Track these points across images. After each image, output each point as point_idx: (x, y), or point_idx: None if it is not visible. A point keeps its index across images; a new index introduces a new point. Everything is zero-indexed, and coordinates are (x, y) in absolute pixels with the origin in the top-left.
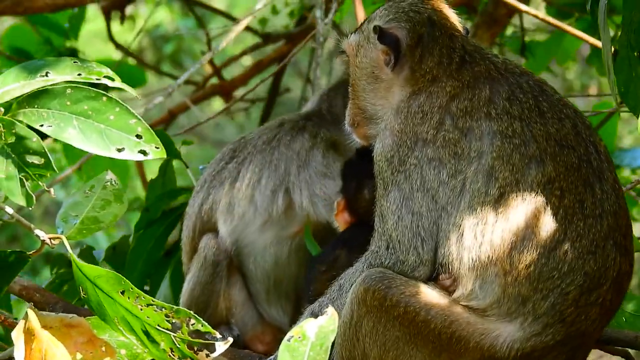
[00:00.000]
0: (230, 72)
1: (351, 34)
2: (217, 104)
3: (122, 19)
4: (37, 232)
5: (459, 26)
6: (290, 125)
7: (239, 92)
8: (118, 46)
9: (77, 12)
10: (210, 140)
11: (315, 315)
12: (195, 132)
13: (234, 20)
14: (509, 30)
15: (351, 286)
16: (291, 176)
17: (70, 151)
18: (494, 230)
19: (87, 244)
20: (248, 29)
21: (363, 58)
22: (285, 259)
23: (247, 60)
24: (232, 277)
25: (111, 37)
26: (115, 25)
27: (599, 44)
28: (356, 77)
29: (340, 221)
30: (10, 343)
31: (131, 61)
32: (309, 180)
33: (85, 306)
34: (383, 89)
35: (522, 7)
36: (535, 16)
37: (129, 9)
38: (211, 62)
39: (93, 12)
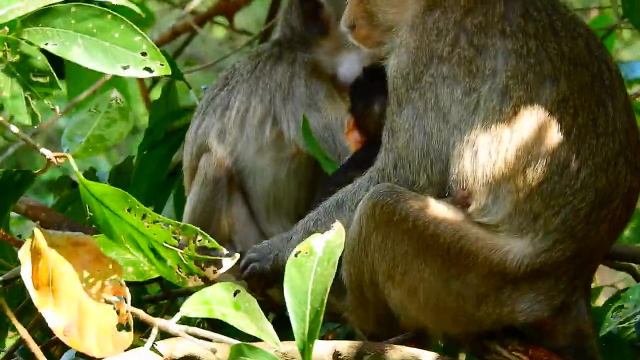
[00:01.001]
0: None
1: None
2: (218, 30)
3: None
4: (43, 150)
5: None
6: (266, 54)
7: (241, 13)
8: None
9: None
10: (214, 67)
11: (308, 230)
12: (198, 58)
13: None
14: None
15: (354, 203)
16: (277, 107)
17: (73, 85)
18: (508, 148)
19: (90, 166)
20: None
21: None
22: (284, 178)
23: None
24: (233, 194)
25: None
26: None
27: None
28: None
29: (351, 140)
30: (13, 263)
31: None
32: (295, 112)
33: (92, 225)
34: (395, 0)
35: None
36: None
37: None
38: None
39: None
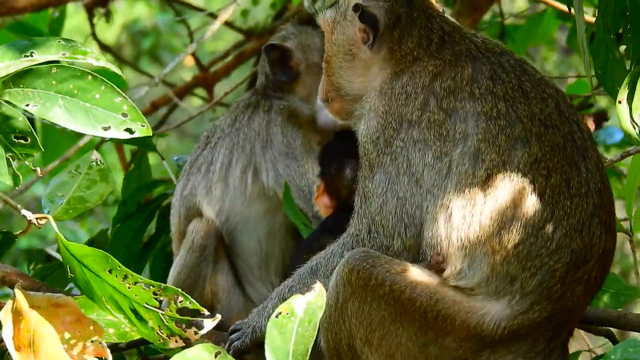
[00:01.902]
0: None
1: (327, 9)
2: (197, 101)
3: (107, 15)
4: (24, 212)
5: (437, 7)
6: (244, 103)
7: (221, 84)
8: (102, 46)
9: (57, 17)
10: (191, 134)
11: (283, 297)
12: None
13: (213, 15)
14: (488, 16)
15: (328, 269)
16: (257, 156)
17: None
18: (482, 211)
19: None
20: (229, 24)
21: (340, 35)
22: (278, 228)
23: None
24: (218, 262)
25: (95, 36)
26: (94, 21)
27: None
28: (332, 53)
29: (321, 205)
30: None
31: (110, 58)
32: (274, 160)
33: (71, 290)
34: (361, 67)
35: None
36: None
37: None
38: (193, 54)
39: (73, 8)
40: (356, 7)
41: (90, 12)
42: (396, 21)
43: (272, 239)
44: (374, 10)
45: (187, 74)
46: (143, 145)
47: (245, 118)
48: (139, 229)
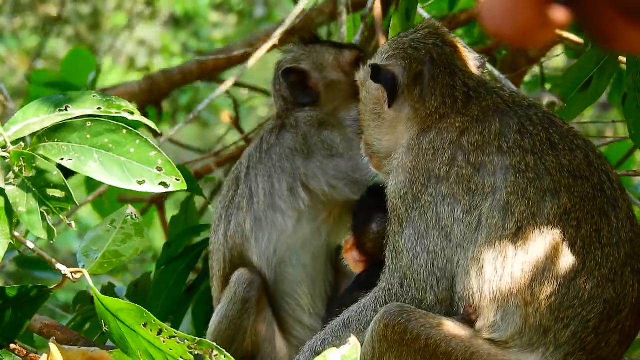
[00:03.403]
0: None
1: (362, 70)
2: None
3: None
4: (59, 266)
5: (469, 60)
6: (268, 130)
7: None
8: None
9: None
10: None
11: (315, 351)
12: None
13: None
14: (528, 77)
15: (361, 323)
16: (301, 169)
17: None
18: (513, 263)
19: (108, 282)
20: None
21: (366, 94)
22: (320, 251)
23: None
24: (261, 313)
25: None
26: (132, 76)
27: None
28: (362, 112)
29: (350, 259)
30: None
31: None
32: (321, 166)
33: (107, 343)
34: (386, 126)
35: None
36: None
37: (142, 58)
38: (236, 124)
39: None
40: (372, 67)
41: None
42: (415, 80)
43: (316, 264)
44: (393, 69)
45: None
46: (190, 188)
47: (273, 139)
48: (183, 272)
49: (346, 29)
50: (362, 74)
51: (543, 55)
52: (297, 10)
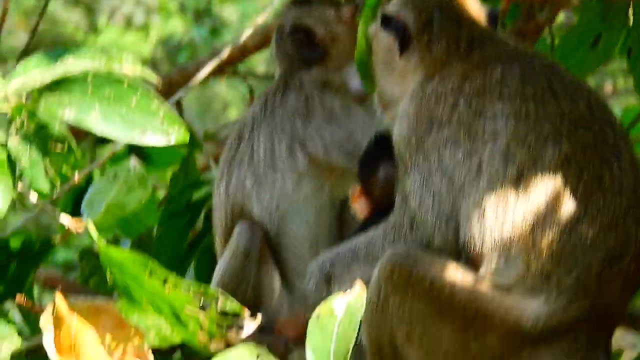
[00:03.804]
0: None
1: (373, 22)
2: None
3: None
4: (62, 217)
5: (476, 11)
6: (272, 90)
7: None
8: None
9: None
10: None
11: (325, 272)
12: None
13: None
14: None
15: (369, 255)
16: (299, 131)
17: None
18: (515, 210)
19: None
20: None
21: (377, 45)
22: (325, 208)
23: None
24: (263, 266)
25: None
26: (130, 36)
27: None
28: (375, 62)
29: (358, 208)
30: (34, 331)
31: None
32: (318, 130)
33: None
34: (397, 75)
35: None
36: None
37: (139, 17)
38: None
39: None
40: (382, 17)
41: None
42: (424, 28)
43: (320, 220)
44: (403, 18)
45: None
46: (190, 144)
47: (278, 100)
48: (184, 228)
49: None
50: (373, 27)
51: (552, 20)
52: None
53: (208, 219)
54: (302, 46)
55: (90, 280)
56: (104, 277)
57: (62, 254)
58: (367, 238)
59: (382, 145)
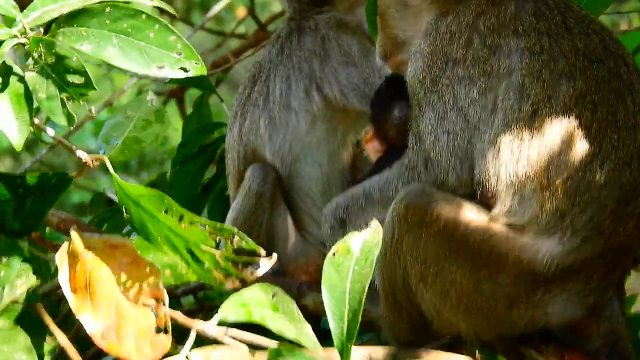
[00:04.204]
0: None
1: None
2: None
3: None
4: (79, 153)
5: None
6: (285, 33)
7: None
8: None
9: None
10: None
11: (339, 218)
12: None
13: None
14: None
15: (384, 197)
16: (317, 72)
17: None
18: (530, 146)
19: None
20: None
21: None
22: (338, 151)
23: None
24: (276, 209)
25: None
26: None
27: None
28: (385, 5)
29: (370, 149)
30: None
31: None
32: (334, 72)
33: (128, 235)
34: (412, 15)
35: None
36: None
37: None
38: (253, 14)
39: None
40: None
41: None
42: None
43: (333, 163)
44: None
45: (241, 30)
46: (202, 87)
47: (295, 43)
48: (198, 172)
49: None
50: None
51: None
52: None
53: (223, 160)
54: None
55: (103, 227)
56: (117, 223)
57: (76, 196)
58: (381, 180)
59: (394, 85)
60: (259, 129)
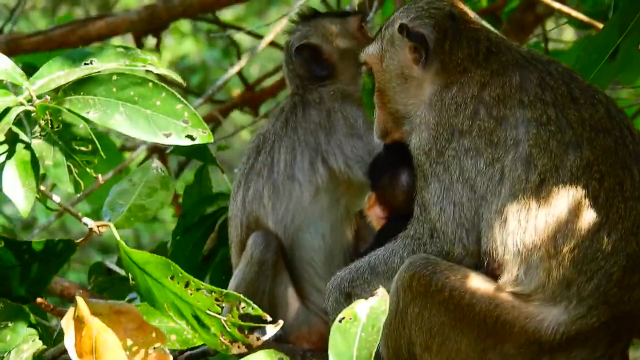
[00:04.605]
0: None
1: (368, 46)
2: (246, 118)
3: (158, 44)
4: (85, 219)
5: (478, 20)
6: (289, 106)
7: (268, 104)
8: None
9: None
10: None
11: (343, 291)
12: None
13: (261, 36)
14: (532, 40)
15: (389, 269)
16: (323, 145)
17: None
18: (537, 216)
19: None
20: (275, 44)
21: (390, 61)
22: (340, 222)
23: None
24: (278, 276)
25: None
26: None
27: None
28: (384, 81)
29: (373, 216)
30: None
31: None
32: (340, 144)
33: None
34: (414, 87)
35: (556, 5)
36: (569, 15)
37: (152, 39)
38: (240, 73)
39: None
40: (401, 28)
41: (138, 43)
42: (444, 35)
43: (335, 234)
44: (420, 29)
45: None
46: (203, 158)
47: (300, 116)
48: (198, 241)
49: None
50: (375, 47)
51: (551, 13)
52: None
53: (224, 230)
54: (311, 64)
55: (103, 295)
56: (116, 291)
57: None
58: (386, 252)
59: (394, 151)
60: (262, 197)
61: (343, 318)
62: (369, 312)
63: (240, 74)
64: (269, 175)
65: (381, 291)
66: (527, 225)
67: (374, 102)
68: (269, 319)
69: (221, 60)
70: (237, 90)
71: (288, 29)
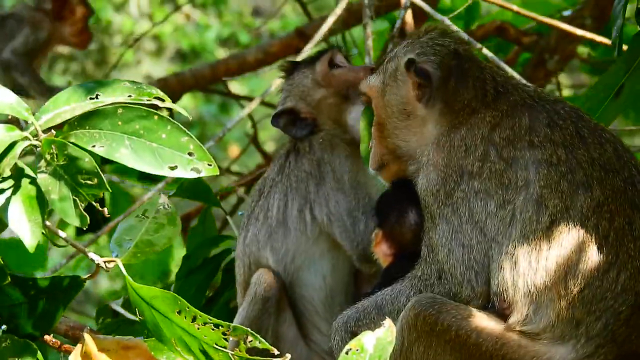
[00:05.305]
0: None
1: (370, 77)
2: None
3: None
4: (92, 255)
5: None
6: (284, 152)
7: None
8: None
9: None
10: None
11: (349, 330)
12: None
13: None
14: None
15: (395, 308)
16: (312, 194)
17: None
18: (548, 257)
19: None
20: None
21: (392, 96)
22: (342, 264)
23: None
24: (281, 314)
25: None
26: None
27: None
28: (385, 116)
29: (379, 254)
30: None
31: None
32: (326, 197)
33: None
34: (416, 125)
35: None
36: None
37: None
38: (255, 140)
39: None
40: (409, 64)
41: None
42: (449, 74)
43: (336, 274)
44: (425, 66)
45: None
46: (207, 201)
47: (292, 163)
48: (202, 283)
49: (371, 41)
50: (377, 79)
51: (561, 69)
52: (324, 28)
53: (228, 272)
54: (289, 128)
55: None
56: (123, 333)
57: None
58: (393, 292)
59: (400, 188)
60: (259, 241)
61: (350, 349)
62: (376, 343)
63: (255, 140)
64: (265, 220)
65: (387, 322)
66: (538, 266)
67: (372, 133)
68: (276, 352)
69: (218, 115)
70: (235, 149)
71: (277, 89)
